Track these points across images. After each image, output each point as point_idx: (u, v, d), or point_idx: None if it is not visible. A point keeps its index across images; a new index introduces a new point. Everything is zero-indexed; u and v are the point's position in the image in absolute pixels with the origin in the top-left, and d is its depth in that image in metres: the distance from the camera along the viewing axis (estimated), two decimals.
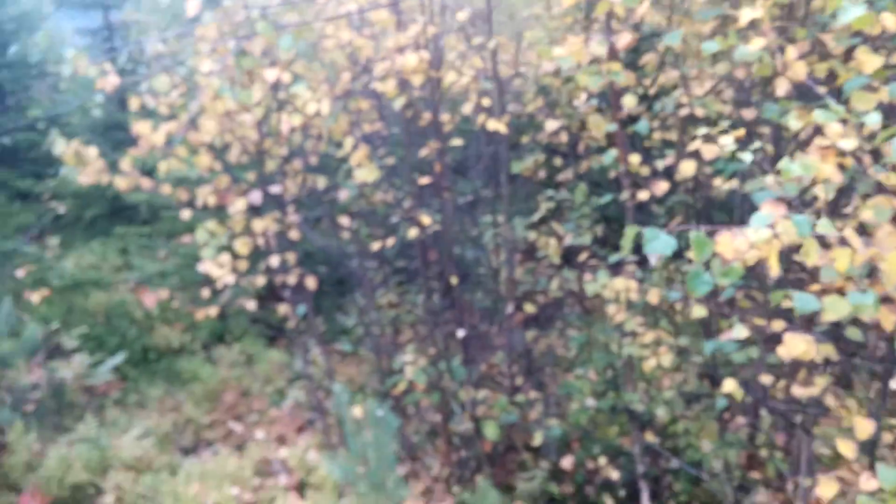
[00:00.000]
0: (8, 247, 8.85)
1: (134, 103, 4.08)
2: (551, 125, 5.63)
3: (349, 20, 4.65)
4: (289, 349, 7.86)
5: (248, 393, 7.14)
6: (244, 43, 4.28)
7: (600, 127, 5.13)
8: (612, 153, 4.50)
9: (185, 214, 4.74)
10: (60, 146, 4.03)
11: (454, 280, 5.21)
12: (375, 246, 4.89)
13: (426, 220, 4.60)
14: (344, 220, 4.94)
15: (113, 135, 10.05)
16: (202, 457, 5.66)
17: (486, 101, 4.96)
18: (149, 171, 4.90)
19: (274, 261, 4.78)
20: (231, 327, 8.36)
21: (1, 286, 7.47)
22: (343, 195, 4.86)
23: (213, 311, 4.66)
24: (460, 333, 5.47)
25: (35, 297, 5.36)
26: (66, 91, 12.45)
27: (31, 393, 5.25)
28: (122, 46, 10.50)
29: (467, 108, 4.99)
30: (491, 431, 5.34)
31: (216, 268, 4.49)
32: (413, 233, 4.65)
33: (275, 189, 4.95)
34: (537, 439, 5.57)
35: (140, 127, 4.10)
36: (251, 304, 5.08)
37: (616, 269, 5.27)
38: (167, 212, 9.19)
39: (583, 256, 5.68)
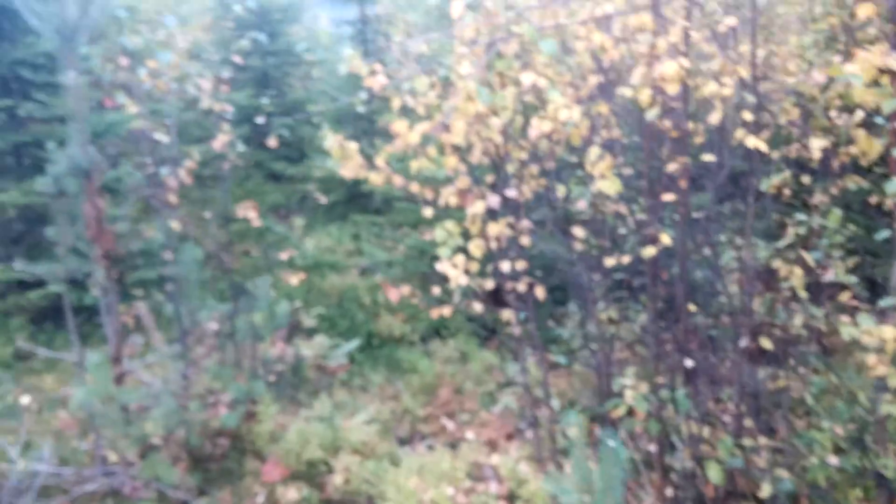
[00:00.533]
0: (263, 224, 9.70)
1: (395, 103, 4.24)
2: (817, 144, 5.02)
3: (598, 22, 4.47)
4: (500, 351, 7.87)
5: (461, 391, 7.24)
6: (500, 45, 4.26)
7: (873, 148, 4.48)
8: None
9: (428, 212, 4.85)
10: (329, 140, 4.29)
11: (691, 307, 4.83)
12: (609, 261, 4.66)
13: (666, 238, 4.29)
14: (578, 231, 4.77)
15: (359, 125, 10.77)
16: (417, 449, 5.80)
17: (746, 115, 4.52)
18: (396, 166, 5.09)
19: (505, 266, 4.74)
20: (448, 323, 8.53)
21: (262, 262, 8.29)
22: (581, 205, 4.69)
23: (446, 310, 4.72)
24: (688, 363, 5.07)
25: (293, 279, 5.80)
26: (318, 80, 13.56)
27: (275, 366, 5.72)
28: (373, 38, 11.22)
29: (714, 119, 4.59)
30: (715, 474, 4.90)
31: (451, 268, 4.53)
32: (650, 251, 4.36)
33: (511, 193, 4.90)
34: (765, 491, 5.03)
35: (398, 126, 4.24)
36: (478, 307, 5.09)
37: (881, 312, 4.59)
38: (399, 203, 9.59)
39: (844, 296, 5.01)
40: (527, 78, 3.94)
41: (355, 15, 11.28)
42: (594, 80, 4.75)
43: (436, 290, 5.37)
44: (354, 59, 3.94)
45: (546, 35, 3.71)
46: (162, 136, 4.60)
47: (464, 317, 8.40)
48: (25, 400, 4.44)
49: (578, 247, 5.05)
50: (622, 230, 5.92)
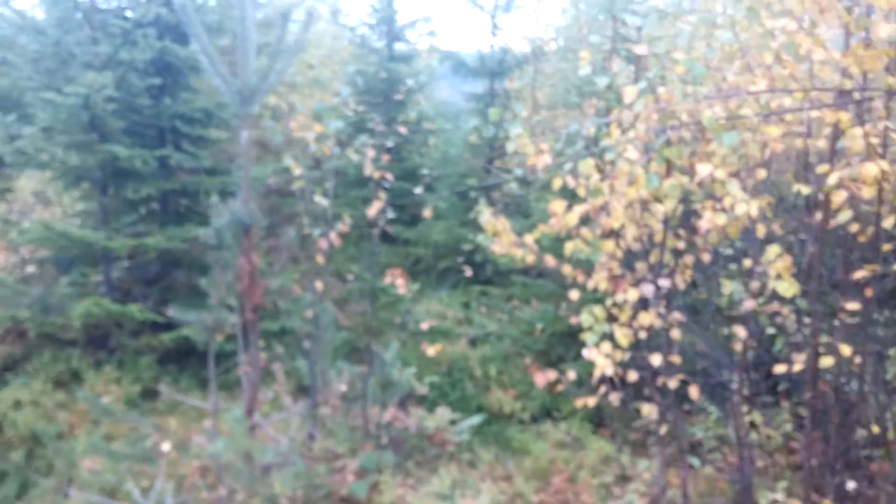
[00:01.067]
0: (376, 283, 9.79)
1: (556, 183, 4.17)
2: None
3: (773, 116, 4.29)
4: (614, 440, 7.50)
5: (576, 480, 6.89)
6: (671, 133, 4.14)
7: None
8: None
9: (574, 295, 4.70)
10: (484, 216, 4.26)
11: (853, 424, 4.42)
12: (780, 368, 4.33)
13: (846, 350, 3.96)
14: (739, 330, 4.50)
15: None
16: None
17: None
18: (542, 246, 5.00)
19: (656, 360, 4.51)
20: (560, 404, 8.25)
21: (389, 327, 8.31)
22: (749, 305, 4.43)
23: (591, 401, 4.51)
24: (850, 486, 4.63)
25: (430, 350, 5.73)
26: (434, 148, 13.85)
27: (398, 435, 5.62)
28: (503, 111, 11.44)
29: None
30: None
31: (599, 356, 4.35)
32: (827, 361, 4.03)
33: (664, 282, 4.70)
34: None
35: (555, 206, 4.16)
36: (616, 398, 4.85)
37: None
38: (516, 276, 9.48)
39: None
40: (703, 169, 3.79)
41: (484, 89, 11.55)
42: (762, 173, 4.55)
43: (571, 375, 5.16)
44: (521, 139, 3.92)
45: (731, 128, 3.57)
46: (321, 199, 4.70)
47: (574, 397, 8.10)
48: (166, 447, 4.50)
49: (738, 347, 4.76)
50: (770, 329, 5.58)
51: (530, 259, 4.44)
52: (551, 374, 4.53)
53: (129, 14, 7.52)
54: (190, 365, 8.09)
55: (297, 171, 4.69)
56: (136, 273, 8.42)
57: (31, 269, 8.73)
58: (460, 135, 14.10)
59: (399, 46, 13.43)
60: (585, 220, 4.45)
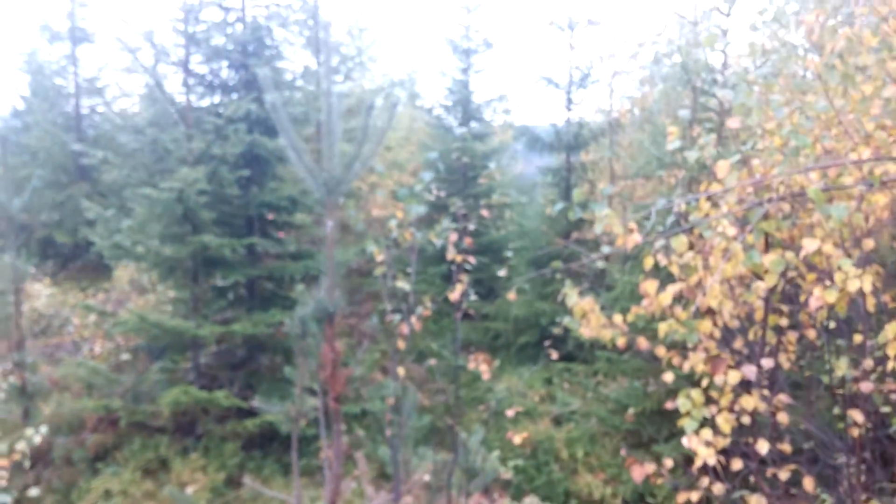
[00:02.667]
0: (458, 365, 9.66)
1: (647, 262, 4.02)
2: None
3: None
4: None
5: None
6: (769, 206, 3.95)
7: None
8: None
9: (668, 377, 4.45)
10: (571, 298, 4.13)
11: None
12: None
13: None
14: (857, 415, 4.13)
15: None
16: None
17: None
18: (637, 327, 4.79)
19: (763, 447, 4.17)
20: (654, 490, 7.78)
21: (471, 408, 8.14)
22: (866, 387, 4.08)
23: (694, 495, 4.20)
24: None
25: (517, 438, 5.53)
26: (510, 221, 13.83)
27: None
28: (576, 184, 11.35)
29: None
30: None
31: (700, 445, 4.05)
32: None
33: (766, 362, 4.39)
34: None
35: (647, 286, 3.99)
36: (719, 490, 4.49)
37: None
38: (600, 352, 9.16)
39: None
40: (810, 243, 3.57)
41: (560, 162, 11.54)
42: (869, 243, 4.26)
43: (668, 463, 4.83)
44: (612, 219, 3.81)
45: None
46: (402, 283, 4.68)
47: (670, 485, 7.62)
48: None
49: (854, 432, 4.37)
50: (885, 408, 5.12)
51: (621, 341, 4.25)
52: (649, 468, 4.24)
53: (221, 111, 7.91)
54: (273, 450, 8.09)
55: (380, 257, 4.70)
56: (222, 358, 8.59)
57: (124, 357, 9.05)
58: (535, 208, 14.07)
59: (474, 125, 13.68)
60: (679, 299, 4.25)
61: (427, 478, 5.41)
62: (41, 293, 10.20)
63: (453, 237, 4.42)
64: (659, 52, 15.29)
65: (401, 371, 5.05)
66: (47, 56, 14.31)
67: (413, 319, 4.84)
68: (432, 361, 5.19)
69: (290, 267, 8.05)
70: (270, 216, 8.10)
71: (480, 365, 4.77)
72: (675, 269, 4.09)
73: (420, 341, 10.59)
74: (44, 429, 5.90)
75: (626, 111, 13.98)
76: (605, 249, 4.40)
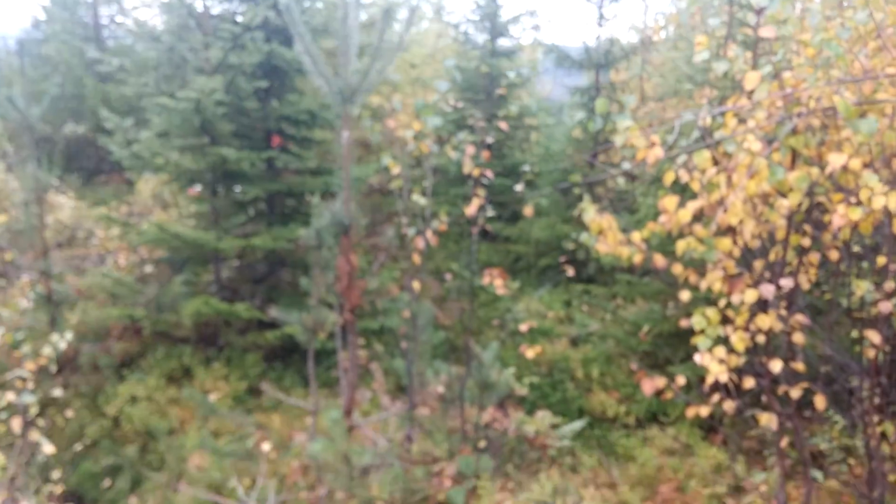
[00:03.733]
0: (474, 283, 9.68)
1: (668, 177, 3.90)
2: None
3: None
4: (727, 448, 7.07)
5: (684, 489, 6.54)
6: (798, 120, 3.79)
7: None
8: None
9: (685, 296, 4.40)
10: (589, 213, 4.05)
11: None
12: None
13: None
14: (873, 335, 4.06)
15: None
16: None
17: None
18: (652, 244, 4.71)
19: (776, 366, 4.15)
20: (667, 408, 7.86)
21: (487, 327, 8.21)
22: (885, 307, 4.00)
23: (704, 410, 4.21)
24: None
25: (529, 352, 5.56)
26: (536, 143, 13.59)
27: (496, 439, 5.49)
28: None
29: None
30: None
31: (713, 362, 4.04)
32: None
33: (786, 283, 4.31)
34: None
35: (667, 202, 3.89)
36: (731, 406, 4.50)
37: None
38: (620, 275, 9.12)
39: None
40: (836, 159, 3.43)
41: (590, 81, 11.18)
42: None
43: (680, 381, 4.84)
44: (631, 131, 3.67)
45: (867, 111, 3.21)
46: (419, 198, 4.62)
47: (683, 403, 7.70)
48: (266, 447, 4.55)
49: (870, 354, 4.32)
50: None
51: (638, 259, 4.18)
52: (660, 382, 4.25)
53: (238, 19, 7.72)
54: (293, 362, 8.27)
55: (396, 170, 4.63)
56: (243, 272, 8.69)
57: (147, 268, 9.19)
58: (563, 130, 13.76)
59: (502, 42, 13.27)
60: (699, 217, 4.15)
61: (441, 390, 5.51)
62: (65, 205, 10.31)
63: (470, 150, 4.32)
64: None
65: (416, 285, 5.06)
66: None
67: (429, 234, 4.81)
68: (449, 277, 5.16)
69: (310, 182, 8.01)
70: (290, 130, 8.00)
71: (495, 280, 4.74)
72: (696, 186, 3.98)
73: (440, 262, 10.60)
74: (69, 335, 6.05)
75: (660, 28, 13.44)
76: (626, 165, 4.29)
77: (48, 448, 5.00)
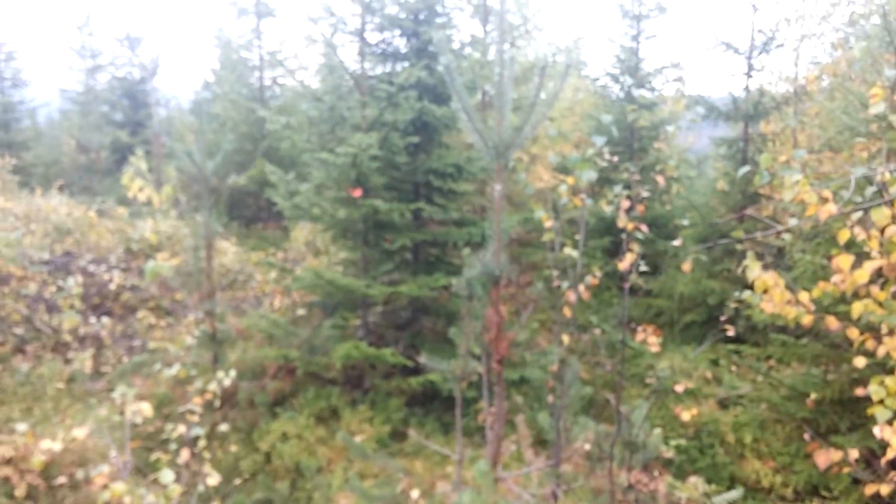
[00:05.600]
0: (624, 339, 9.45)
1: (843, 236, 3.69)
2: None
3: None
4: None
5: None
6: None
7: None
8: None
9: (859, 362, 4.09)
10: (754, 270, 3.89)
11: None
12: None
13: None
14: None
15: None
16: None
17: None
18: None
19: None
20: (830, 481, 7.24)
21: (632, 383, 7.99)
22: None
23: (884, 489, 3.86)
24: None
25: (685, 414, 5.36)
26: (678, 196, 13.20)
27: (644, 503, 5.27)
28: (753, 157, 10.65)
29: None
30: None
31: (894, 436, 3.71)
32: None
33: None
34: None
35: (841, 261, 3.67)
36: None
37: None
38: (775, 334, 8.59)
39: None
40: None
41: (737, 133, 10.83)
42: None
43: (854, 454, 4.46)
44: (803, 186, 3.52)
45: None
46: (570, 251, 4.63)
47: (850, 477, 7.05)
48: (415, 494, 4.62)
49: None
50: None
51: (807, 320, 3.95)
52: (835, 455, 3.94)
53: (393, 79, 8.17)
54: (434, 409, 8.38)
55: (549, 223, 4.67)
56: (388, 318, 8.98)
57: (300, 312, 9.70)
58: (704, 182, 13.33)
59: (643, 94, 13.17)
60: (877, 278, 3.88)
61: (587, 447, 5.38)
62: (228, 250, 11.14)
63: (625, 204, 4.28)
64: (856, 13, 13.89)
65: (565, 339, 5.02)
66: (234, 31, 15.45)
67: (581, 288, 4.78)
68: (597, 331, 5.06)
69: (455, 233, 8.22)
70: (436, 183, 8.28)
71: (649, 337, 4.61)
72: (874, 245, 3.73)
73: (579, 314, 10.45)
74: (233, 373, 6.48)
75: (815, 78, 12.83)
76: (792, 221, 4.09)
77: (213, 479, 5.31)
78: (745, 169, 4.18)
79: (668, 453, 7.10)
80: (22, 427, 5.98)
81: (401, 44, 8.49)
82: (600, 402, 8.36)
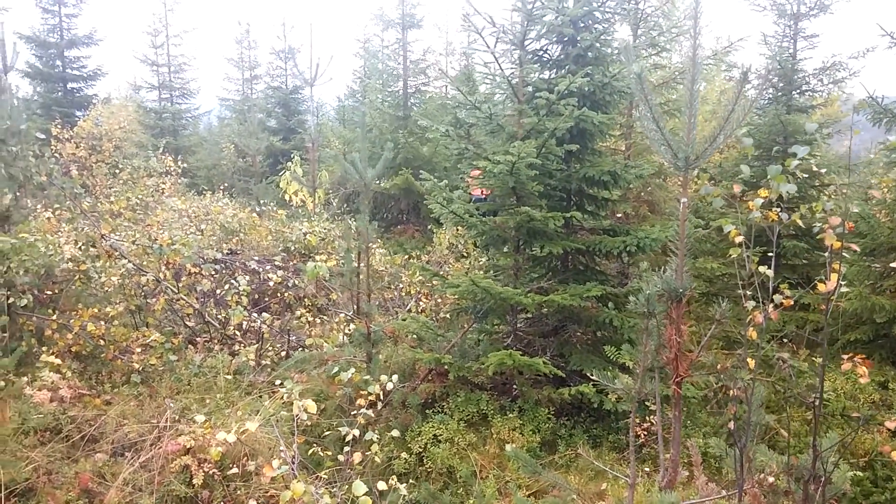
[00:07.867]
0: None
1: None
2: None
3: None
4: None
5: None
6: None
7: None
8: None
9: None
10: None
11: None
12: None
13: None
14: None
15: None
16: None
17: None
18: None
19: None
20: None
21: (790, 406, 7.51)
22: None
23: None
24: None
25: (886, 446, 4.97)
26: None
27: None
28: None
29: None
30: None
31: None
32: None
33: None
34: None
35: None
36: None
37: None
38: None
39: None
40: None
41: None
42: None
43: None
44: None
45: None
46: (764, 269, 4.39)
47: None
48: None
49: None
50: None
51: None
52: None
53: (551, 87, 8.10)
54: (581, 420, 8.24)
55: (738, 238, 4.44)
56: (536, 325, 8.92)
57: (443, 314, 9.83)
58: (858, 192, 12.37)
59: (798, 97, 12.42)
60: None
61: (771, 480, 5.09)
62: (376, 252, 11.47)
63: (835, 221, 3.97)
64: None
65: (751, 362, 4.77)
66: (380, 42, 15.90)
67: (770, 308, 4.52)
68: (785, 356, 4.72)
69: (608, 241, 8.04)
70: (588, 191, 8.14)
71: (858, 368, 4.25)
72: None
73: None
74: (395, 377, 6.62)
75: None
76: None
77: (384, 485, 5.46)
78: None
79: (846, 486, 6.61)
80: (200, 418, 6.38)
81: (557, 50, 8.40)
82: (770, 428, 7.94)
